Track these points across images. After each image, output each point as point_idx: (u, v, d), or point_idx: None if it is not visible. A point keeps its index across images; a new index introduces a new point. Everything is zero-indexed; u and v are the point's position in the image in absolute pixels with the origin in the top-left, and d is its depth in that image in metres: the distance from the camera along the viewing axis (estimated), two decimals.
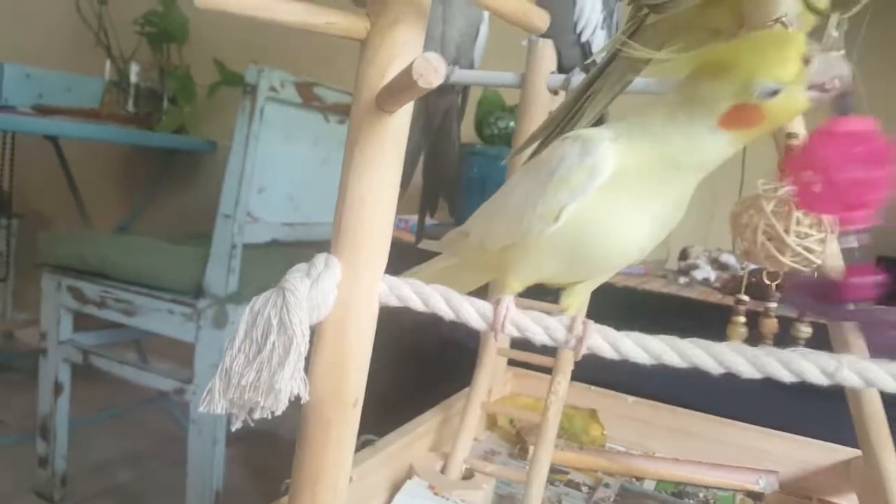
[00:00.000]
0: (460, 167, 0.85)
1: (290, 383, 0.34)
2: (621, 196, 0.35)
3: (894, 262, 1.13)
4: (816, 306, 0.32)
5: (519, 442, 0.72)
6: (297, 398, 0.35)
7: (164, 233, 1.85)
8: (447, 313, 0.38)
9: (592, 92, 0.46)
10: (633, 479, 0.67)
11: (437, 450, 0.63)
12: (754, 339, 0.44)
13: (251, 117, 1.23)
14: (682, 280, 1.15)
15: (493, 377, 0.75)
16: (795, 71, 0.30)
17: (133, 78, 1.89)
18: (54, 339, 1.40)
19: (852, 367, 0.35)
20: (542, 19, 0.36)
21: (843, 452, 0.68)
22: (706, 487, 0.67)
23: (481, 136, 1.40)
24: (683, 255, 1.23)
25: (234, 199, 1.25)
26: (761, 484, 0.68)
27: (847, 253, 0.31)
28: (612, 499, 0.62)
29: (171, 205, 1.98)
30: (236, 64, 1.69)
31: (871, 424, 0.44)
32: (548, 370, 0.63)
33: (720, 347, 0.36)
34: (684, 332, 0.37)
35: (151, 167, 1.99)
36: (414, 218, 1.11)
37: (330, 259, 0.37)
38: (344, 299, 0.37)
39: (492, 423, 0.76)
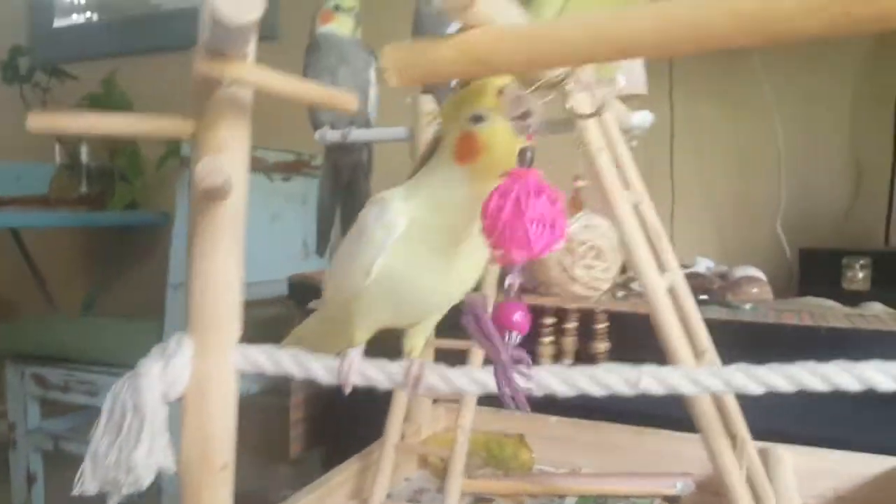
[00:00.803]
0: None
1: (147, 461, 0.38)
2: (420, 246, 0.40)
3: (815, 252, 1.18)
4: (476, 327, 0.36)
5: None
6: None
7: (128, 307, 1.87)
8: (298, 373, 0.42)
9: None
10: (556, 498, 0.70)
11: (358, 497, 0.66)
12: (560, 354, 0.47)
13: (192, 189, 1.27)
14: (620, 294, 1.19)
15: (418, 416, 0.79)
16: (491, 100, 0.37)
17: (84, 158, 1.93)
18: (23, 430, 1.41)
19: (652, 375, 0.38)
20: (349, 102, 0.41)
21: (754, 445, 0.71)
22: (626, 497, 0.71)
23: None
24: (623, 268, 1.27)
25: (181, 270, 1.29)
26: (678, 487, 0.71)
27: (508, 288, 0.35)
28: None
29: (132, 279, 2.01)
30: None
31: (708, 433, 0.48)
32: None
33: (536, 371, 0.39)
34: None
35: (109, 244, 2.02)
36: None
37: (182, 338, 0.41)
38: (199, 373, 0.41)
39: (424, 460, 0.78)
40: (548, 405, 0.82)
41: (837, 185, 1.28)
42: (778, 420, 0.66)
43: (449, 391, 0.41)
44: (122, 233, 1.96)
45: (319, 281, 1.28)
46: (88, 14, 2.17)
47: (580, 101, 0.41)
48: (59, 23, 2.15)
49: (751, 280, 1.18)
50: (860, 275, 1.09)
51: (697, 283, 1.17)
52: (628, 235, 0.44)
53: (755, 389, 0.38)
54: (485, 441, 0.80)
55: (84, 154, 1.92)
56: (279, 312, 1.45)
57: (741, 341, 0.95)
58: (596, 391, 0.39)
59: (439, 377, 0.41)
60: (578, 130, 0.42)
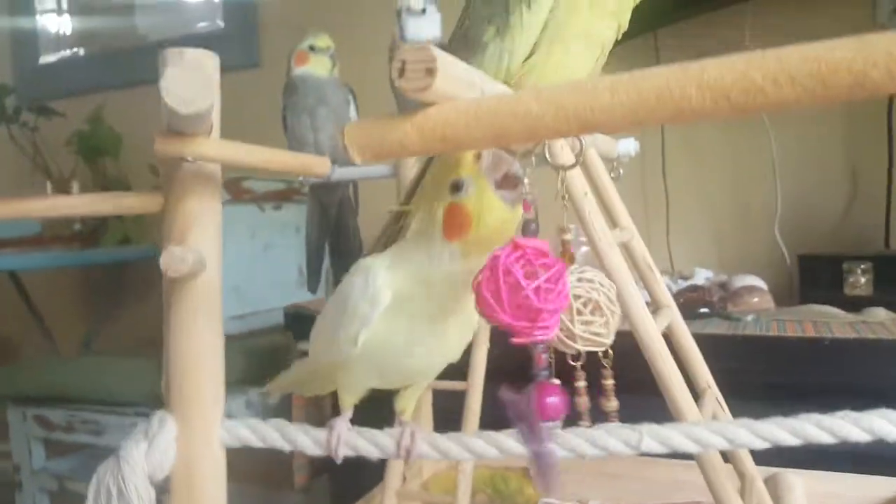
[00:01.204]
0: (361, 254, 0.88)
1: None
2: (406, 317, 0.38)
3: (815, 258, 1.17)
4: (521, 426, 0.35)
5: None
6: None
7: (128, 343, 1.86)
8: (285, 446, 0.40)
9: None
10: None
11: None
12: (573, 416, 0.46)
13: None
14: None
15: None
16: (469, 163, 0.35)
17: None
18: (28, 471, 1.41)
19: (652, 436, 0.37)
20: (322, 166, 0.39)
21: (762, 472, 0.69)
22: None
23: None
24: None
25: None
26: None
27: (537, 370, 0.34)
28: None
29: (130, 314, 2.00)
30: None
31: (713, 480, 0.47)
32: None
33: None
34: None
35: (106, 280, 2.01)
36: None
37: (164, 417, 0.40)
38: (184, 452, 0.39)
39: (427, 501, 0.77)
40: None
41: (834, 189, 1.26)
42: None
43: (442, 458, 0.39)
44: (117, 269, 1.95)
45: (315, 311, 1.27)
46: (75, 49, 2.17)
47: (558, 151, 0.40)
48: (45, 59, 2.14)
49: (751, 290, 1.16)
50: (862, 279, 1.07)
51: (697, 295, 1.16)
52: (622, 288, 0.42)
53: (760, 445, 0.37)
54: (489, 477, 0.78)
55: (75, 191, 1.91)
56: (276, 342, 1.44)
57: (744, 355, 0.94)
58: (595, 454, 0.37)
59: (431, 446, 0.39)
60: (559, 179, 0.41)
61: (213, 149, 0.34)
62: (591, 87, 0.25)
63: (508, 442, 0.39)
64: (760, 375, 0.93)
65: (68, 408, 1.36)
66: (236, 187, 1.42)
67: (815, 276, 1.14)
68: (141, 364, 1.36)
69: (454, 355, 0.41)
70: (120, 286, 1.97)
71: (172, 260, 0.31)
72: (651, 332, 0.44)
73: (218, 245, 0.40)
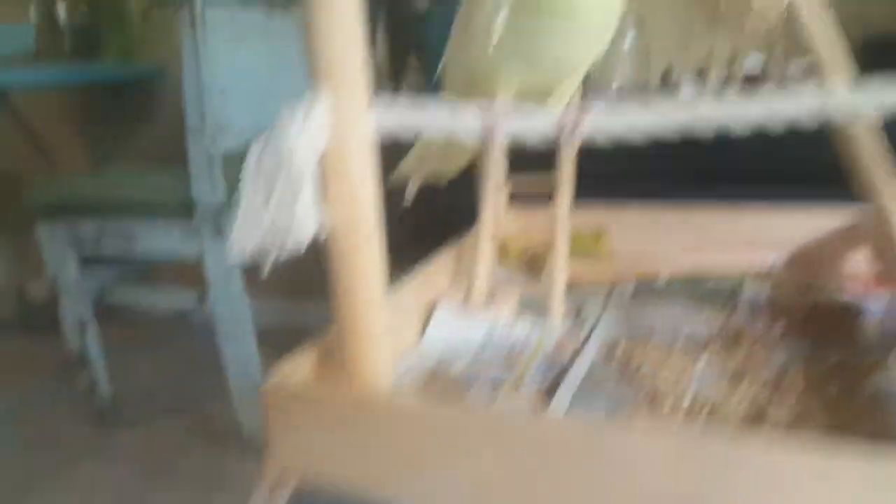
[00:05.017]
0: (422, 28, 0.83)
1: (306, 216, 0.35)
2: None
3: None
4: None
5: (531, 271, 0.74)
6: None
7: (134, 164, 1.82)
8: (445, 125, 0.38)
9: None
10: (644, 282, 0.70)
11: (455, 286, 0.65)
12: None
13: (194, 24, 1.19)
14: None
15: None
16: None
17: (62, 17, 1.78)
18: (67, 283, 1.41)
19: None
20: None
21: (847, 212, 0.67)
22: (716, 278, 0.69)
23: None
24: (666, 75, 1.20)
25: (198, 111, 1.23)
26: (772, 259, 0.69)
27: None
28: (629, 294, 0.66)
29: (132, 140, 1.94)
30: None
31: (871, 167, 0.45)
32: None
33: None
34: None
35: (105, 106, 1.92)
36: None
37: (314, 97, 0.37)
38: (335, 134, 0.37)
39: (502, 257, 0.77)
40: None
41: None
42: None
43: (614, 135, 0.37)
44: (115, 93, 1.86)
45: None
46: None
47: None
48: None
49: None
50: None
51: None
52: None
53: None
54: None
55: (61, 12, 1.77)
56: None
57: None
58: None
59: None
60: None
61: None
62: None
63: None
64: None
65: (96, 220, 1.35)
66: None
67: None
68: (167, 173, 1.33)
69: (600, 40, 0.39)
70: (122, 107, 1.89)
71: None
72: None
73: None
